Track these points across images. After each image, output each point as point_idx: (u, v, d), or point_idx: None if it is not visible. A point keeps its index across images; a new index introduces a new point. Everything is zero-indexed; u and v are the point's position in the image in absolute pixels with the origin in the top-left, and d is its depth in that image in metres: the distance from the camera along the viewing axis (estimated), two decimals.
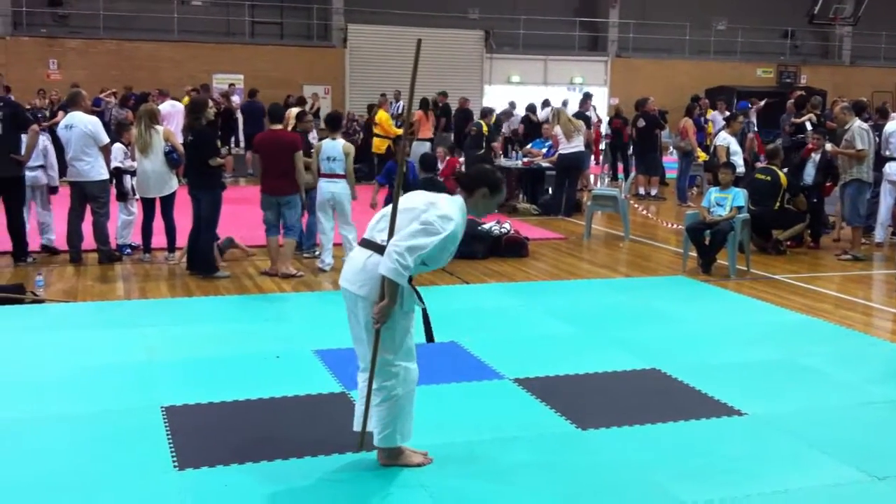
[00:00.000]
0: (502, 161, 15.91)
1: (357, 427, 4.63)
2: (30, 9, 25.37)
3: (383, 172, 11.05)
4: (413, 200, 4.40)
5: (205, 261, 9.24)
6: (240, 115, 20.52)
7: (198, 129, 9.18)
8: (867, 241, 11.47)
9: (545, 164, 14.81)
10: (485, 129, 15.23)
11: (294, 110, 10.57)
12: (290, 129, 9.66)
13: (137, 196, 10.26)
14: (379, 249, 4.32)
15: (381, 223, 4.42)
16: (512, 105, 21.89)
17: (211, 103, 9.99)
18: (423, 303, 4.45)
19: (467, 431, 5.10)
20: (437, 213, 4.25)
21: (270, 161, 9.16)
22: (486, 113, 15.45)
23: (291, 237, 9.38)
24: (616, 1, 30.22)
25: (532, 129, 18.90)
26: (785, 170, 11.91)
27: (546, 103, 22.14)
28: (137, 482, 4.40)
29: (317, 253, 10.18)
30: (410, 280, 4.33)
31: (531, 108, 19.91)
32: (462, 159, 16.01)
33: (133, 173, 10.29)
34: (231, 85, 23.00)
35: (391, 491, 4.38)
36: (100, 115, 13.71)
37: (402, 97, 22.03)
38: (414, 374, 4.50)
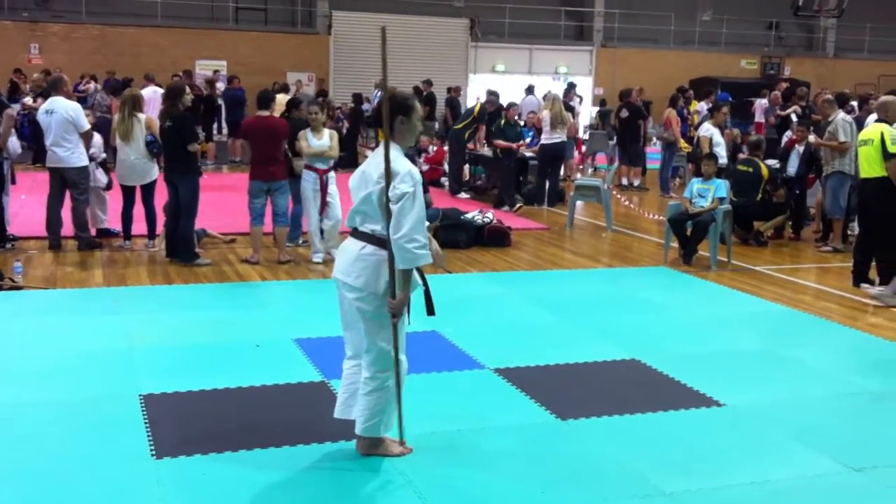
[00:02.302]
0: (485, 151, 15.89)
1: (339, 415, 4.63)
2: None
3: None
4: (365, 179, 4.37)
5: (185, 248, 9.19)
6: (222, 102, 20.41)
7: (175, 114, 9.11)
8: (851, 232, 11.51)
9: (529, 154, 14.79)
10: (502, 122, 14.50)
11: (283, 97, 10.54)
12: (278, 115, 9.66)
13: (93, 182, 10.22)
14: (370, 239, 4.33)
15: (358, 217, 4.40)
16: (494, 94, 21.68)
17: (188, 89, 9.90)
18: (425, 284, 4.46)
19: (447, 421, 5.10)
20: (399, 180, 4.21)
21: (260, 147, 9.11)
22: (510, 106, 14.77)
23: (283, 224, 9.35)
24: None
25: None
26: (771, 161, 11.96)
27: (530, 90, 22.08)
28: (115, 471, 4.38)
29: (301, 242, 10.14)
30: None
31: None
32: (447, 148, 16.00)
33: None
34: (216, 71, 22.89)
35: (371, 480, 4.37)
36: (82, 100, 13.64)
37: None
38: (405, 366, 4.51)
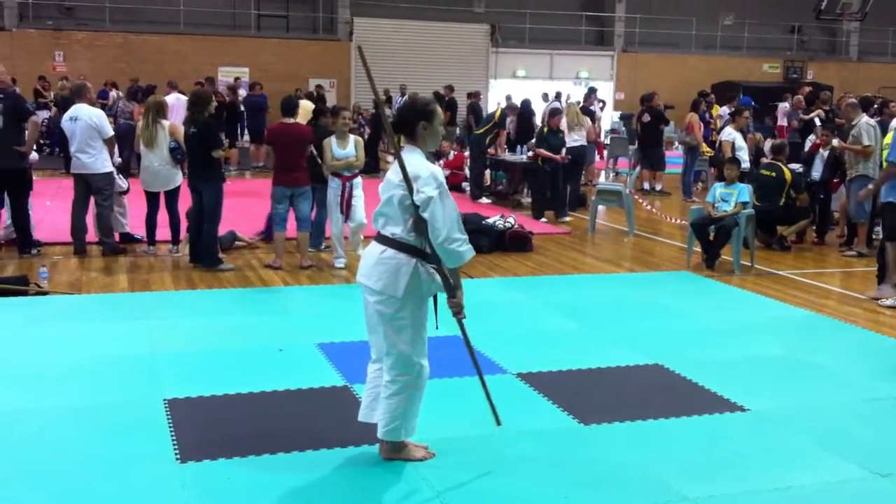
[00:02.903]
0: (506, 156, 15.87)
1: (363, 418, 4.67)
2: (36, 1, 25.39)
3: None
4: (388, 183, 4.41)
5: (209, 253, 9.25)
6: (244, 109, 20.51)
7: (201, 120, 9.17)
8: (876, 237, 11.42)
9: None
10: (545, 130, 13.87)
11: (309, 104, 10.58)
12: (305, 122, 9.74)
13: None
14: (391, 243, 4.36)
15: (381, 220, 4.44)
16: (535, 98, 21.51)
17: (213, 97, 9.97)
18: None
19: (469, 426, 5.10)
20: (422, 184, 4.23)
21: (284, 154, 9.16)
22: (553, 114, 14.02)
23: (305, 229, 9.38)
24: None
25: (526, 127, 18.72)
26: (794, 165, 11.89)
27: (550, 96, 22.12)
28: (139, 474, 4.41)
29: (323, 247, 10.17)
30: (438, 262, 4.34)
31: (526, 105, 19.72)
32: (468, 153, 16.01)
33: None
34: (237, 78, 23.01)
35: (394, 484, 4.38)
36: (105, 109, 13.77)
37: (407, 91, 22.07)
38: (427, 372, 4.52)
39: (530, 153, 15.42)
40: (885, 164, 8.68)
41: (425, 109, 4.47)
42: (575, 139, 13.92)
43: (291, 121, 9.29)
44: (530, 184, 14.26)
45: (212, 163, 9.15)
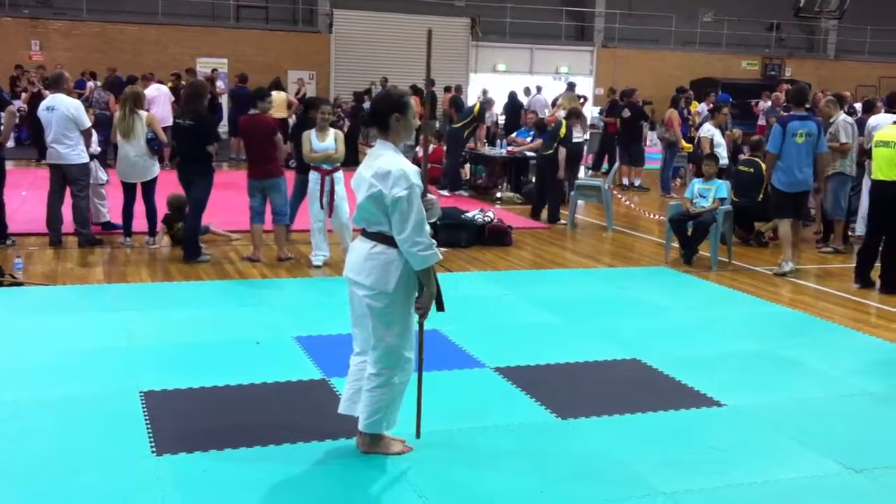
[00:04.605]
0: (486, 150, 15.86)
1: (343, 410, 4.64)
2: None
3: None
4: (360, 182, 4.38)
5: (193, 244, 9.17)
6: (223, 101, 20.36)
7: (199, 113, 9.07)
8: (851, 234, 11.50)
9: (529, 154, 14.73)
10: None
11: (282, 94, 10.47)
12: (280, 112, 9.62)
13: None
14: (379, 238, 4.33)
15: (363, 221, 4.40)
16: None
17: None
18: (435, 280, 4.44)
19: (447, 420, 5.09)
20: (392, 184, 4.19)
21: (252, 146, 9.09)
22: (574, 113, 13.48)
23: (281, 222, 9.30)
24: None
25: (515, 117, 18.81)
26: None
27: (532, 90, 22.16)
28: (115, 467, 4.37)
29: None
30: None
31: (513, 97, 19.82)
32: (446, 147, 15.98)
33: None
34: (214, 70, 22.83)
35: (371, 478, 4.36)
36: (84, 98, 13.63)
37: (387, 84, 22.00)
38: (412, 366, 4.51)
39: (509, 147, 15.44)
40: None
41: (399, 101, 4.43)
42: (577, 135, 13.68)
43: (257, 112, 9.17)
44: (543, 184, 13.31)
45: (206, 156, 9.05)
